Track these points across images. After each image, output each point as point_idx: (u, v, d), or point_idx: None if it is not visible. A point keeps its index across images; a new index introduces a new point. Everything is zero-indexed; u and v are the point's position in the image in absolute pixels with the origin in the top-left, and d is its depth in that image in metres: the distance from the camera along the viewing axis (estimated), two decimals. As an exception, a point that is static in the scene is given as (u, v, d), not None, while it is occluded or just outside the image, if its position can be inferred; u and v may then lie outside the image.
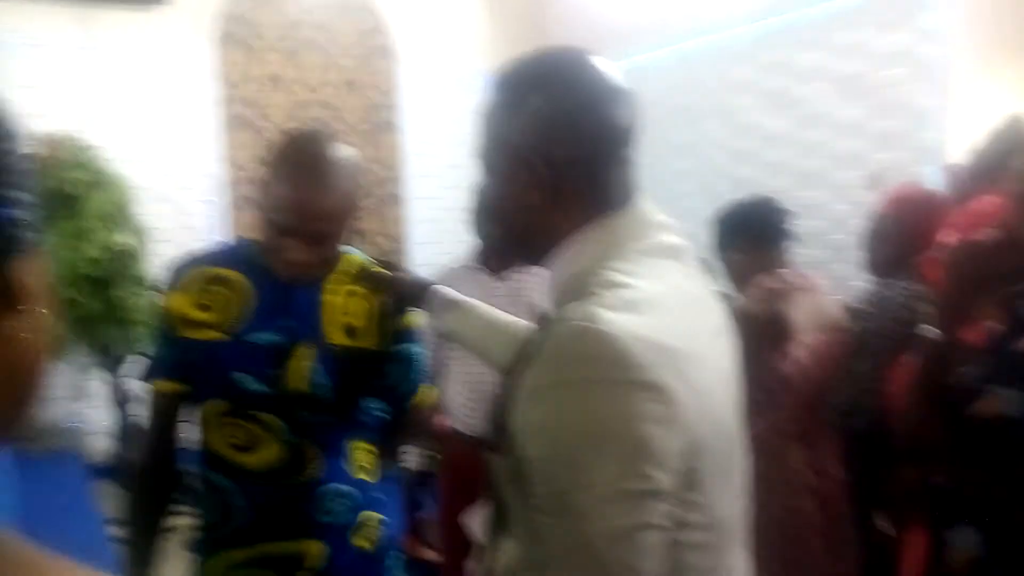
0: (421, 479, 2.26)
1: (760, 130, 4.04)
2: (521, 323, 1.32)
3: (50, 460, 3.43)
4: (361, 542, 1.41)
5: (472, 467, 1.86)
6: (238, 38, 4.37)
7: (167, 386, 1.37)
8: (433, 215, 4.82)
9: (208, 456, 1.38)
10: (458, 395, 2.16)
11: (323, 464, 1.37)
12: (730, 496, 0.89)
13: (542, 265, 0.96)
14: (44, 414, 3.71)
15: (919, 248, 1.93)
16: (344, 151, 1.30)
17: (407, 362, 1.50)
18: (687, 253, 0.95)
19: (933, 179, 3.04)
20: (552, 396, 0.78)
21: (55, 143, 3.65)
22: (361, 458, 1.45)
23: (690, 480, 0.79)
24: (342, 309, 1.41)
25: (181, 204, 4.18)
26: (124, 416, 3.93)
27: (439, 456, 2.33)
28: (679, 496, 0.78)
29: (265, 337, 1.34)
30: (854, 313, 2.04)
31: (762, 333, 1.93)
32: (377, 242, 4.72)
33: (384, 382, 1.48)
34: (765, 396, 1.98)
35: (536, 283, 2.12)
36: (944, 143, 3.20)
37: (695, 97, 4.39)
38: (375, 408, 1.50)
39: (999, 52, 3.18)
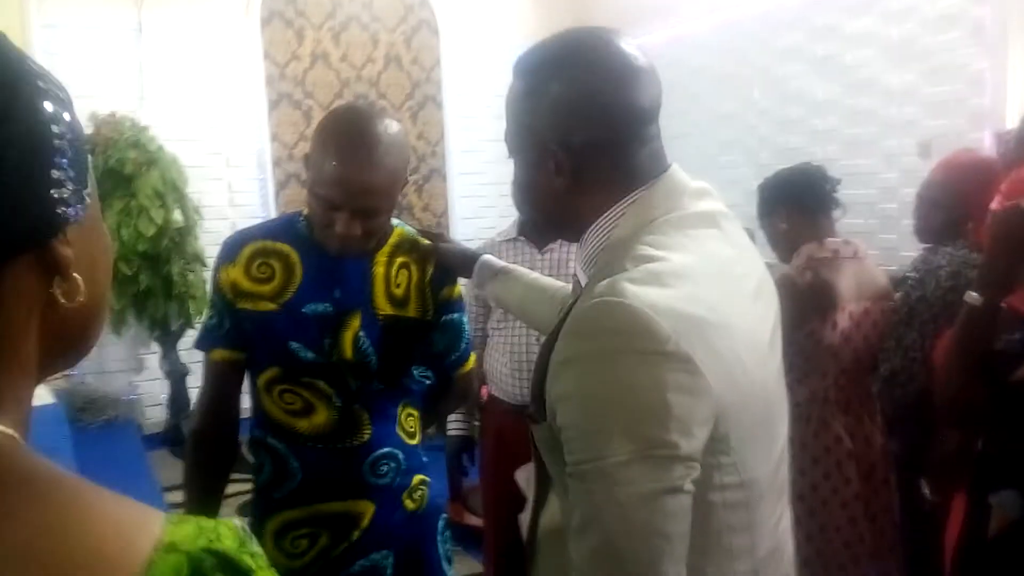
0: (465, 446, 2.31)
1: (808, 97, 3.97)
2: (567, 288, 1.34)
3: (107, 430, 3.56)
4: (409, 503, 1.47)
5: (514, 435, 1.90)
6: (285, 18, 4.43)
7: (223, 355, 1.42)
8: (476, 190, 4.85)
9: (264, 421, 1.43)
10: (500, 364, 2.19)
11: (373, 428, 1.42)
12: (765, 455, 0.90)
13: (578, 241, 0.98)
14: (102, 386, 3.85)
15: (970, 215, 1.89)
16: (391, 126, 1.32)
17: (453, 331, 1.54)
18: (726, 218, 0.96)
19: (987, 145, 2.97)
20: (579, 367, 0.82)
21: (111, 123, 3.76)
22: (409, 423, 1.49)
23: (720, 444, 0.82)
24: (390, 280, 1.44)
25: (230, 182, 4.28)
26: (178, 388, 4.07)
27: (482, 424, 2.37)
28: (709, 459, 0.81)
29: (316, 308, 1.39)
30: (901, 281, 2.01)
31: (806, 302, 1.92)
32: (421, 217, 4.77)
33: (431, 350, 1.52)
34: (809, 364, 1.97)
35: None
36: (999, 108, 3.11)
37: (741, 65, 4.33)
38: (422, 375, 1.54)
39: (1058, 12, 3.08)
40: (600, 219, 0.93)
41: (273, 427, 1.42)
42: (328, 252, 1.38)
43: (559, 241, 2.12)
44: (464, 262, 1.50)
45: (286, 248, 1.41)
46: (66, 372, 3.86)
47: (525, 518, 1.07)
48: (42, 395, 3.50)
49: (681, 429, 0.77)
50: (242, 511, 1.46)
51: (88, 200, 0.51)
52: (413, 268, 1.47)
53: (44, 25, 3.78)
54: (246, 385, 1.46)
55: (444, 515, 1.57)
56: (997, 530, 1.38)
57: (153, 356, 4.10)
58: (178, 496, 1.73)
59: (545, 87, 0.92)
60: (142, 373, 4.07)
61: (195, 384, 1.85)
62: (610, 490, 0.78)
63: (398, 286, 1.45)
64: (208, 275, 1.59)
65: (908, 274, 1.98)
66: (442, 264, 1.49)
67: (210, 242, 3.52)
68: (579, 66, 0.91)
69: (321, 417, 1.40)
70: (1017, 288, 1.33)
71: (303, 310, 1.38)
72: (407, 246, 1.48)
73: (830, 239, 2.01)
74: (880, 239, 3.43)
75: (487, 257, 1.50)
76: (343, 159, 1.26)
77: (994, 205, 1.46)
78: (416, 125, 4.79)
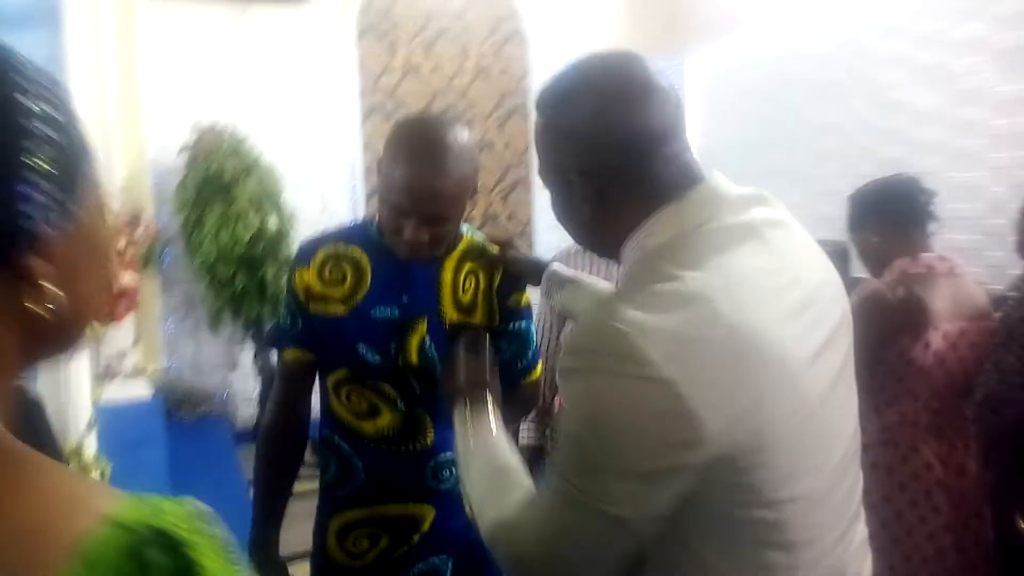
0: (538, 456, 2.30)
1: (911, 107, 3.80)
2: None
3: (201, 424, 3.72)
4: (470, 510, 1.47)
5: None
6: (378, 31, 4.55)
7: (295, 354, 1.46)
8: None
9: (331, 421, 1.46)
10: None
11: (436, 433, 1.43)
12: (808, 474, 0.87)
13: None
14: (198, 382, 4.03)
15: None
16: (461, 135, 1.33)
17: (520, 339, 1.53)
18: (775, 227, 0.93)
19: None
20: (568, 381, 0.86)
21: (212, 133, 3.94)
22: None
23: (733, 463, 0.80)
24: (457, 286, 1.45)
25: (324, 190, 4.41)
26: (269, 385, 4.21)
27: (554, 433, 2.36)
28: (725, 477, 0.81)
29: (384, 312, 1.41)
30: (1001, 300, 1.89)
31: (897, 319, 1.83)
32: (506, 226, 4.80)
33: (498, 357, 1.52)
34: (899, 386, 1.87)
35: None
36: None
37: (841, 73, 4.18)
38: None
39: None
40: (632, 238, 0.93)
41: (339, 427, 1.45)
42: (397, 257, 1.40)
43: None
44: (532, 270, 1.50)
45: (358, 252, 1.44)
46: (164, 368, 4.07)
47: None
48: (143, 389, 3.69)
49: (656, 452, 0.79)
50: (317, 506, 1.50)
51: (75, 211, 0.52)
52: (481, 275, 1.47)
53: (152, 39, 3.99)
54: (317, 385, 1.50)
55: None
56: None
57: (247, 355, 4.25)
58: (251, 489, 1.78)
59: (558, 120, 0.96)
60: (236, 371, 4.23)
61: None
62: (556, 497, 0.86)
63: (465, 292, 1.45)
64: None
65: (1008, 293, 1.86)
66: (510, 272, 1.49)
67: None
68: (587, 95, 0.94)
69: (385, 420, 1.42)
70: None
71: (371, 314, 1.40)
72: (476, 253, 1.48)
73: (924, 254, 1.91)
74: (987, 256, 3.24)
75: (556, 266, 1.49)
76: (412, 166, 1.27)
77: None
78: (503, 135, 4.83)
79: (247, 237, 3.88)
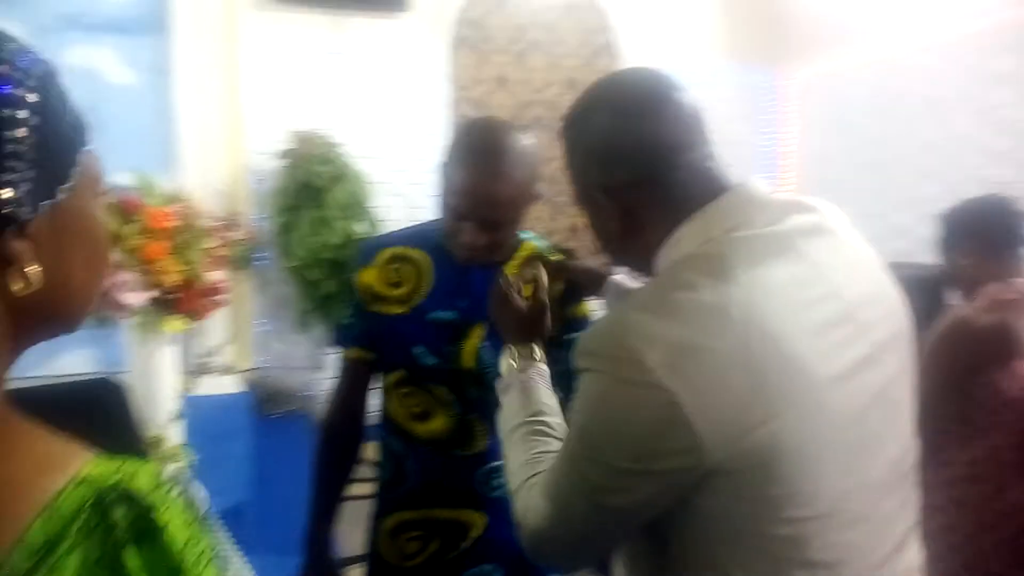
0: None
1: (1019, 126, 3.58)
2: None
3: (286, 421, 3.84)
4: (522, 519, 1.46)
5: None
6: (470, 42, 4.61)
7: (355, 353, 1.50)
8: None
9: (388, 421, 1.49)
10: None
11: (490, 440, 1.43)
12: (836, 491, 0.83)
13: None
14: (286, 380, 4.16)
15: None
16: (522, 140, 1.33)
17: (580, 350, 1.52)
18: (813, 235, 0.90)
19: None
20: (580, 377, 0.89)
21: (307, 140, 4.07)
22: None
23: (742, 477, 0.79)
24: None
25: (411, 198, 4.49)
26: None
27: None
28: (737, 489, 0.80)
29: (442, 315, 1.42)
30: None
31: (984, 347, 1.73)
32: (587, 236, 4.78)
33: (556, 368, 1.51)
34: (987, 418, 1.76)
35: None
36: None
37: (945, 90, 3.98)
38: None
39: None
40: (662, 249, 0.93)
41: (394, 428, 1.47)
42: (458, 261, 1.41)
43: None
44: (593, 280, 1.49)
45: (419, 254, 1.46)
46: (256, 366, 4.22)
47: None
48: (231, 385, 3.84)
49: (645, 454, 0.81)
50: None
51: (62, 197, 0.54)
52: (540, 283, 1.47)
53: (255, 48, 4.17)
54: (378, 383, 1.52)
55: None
56: None
57: (332, 356, 4.36)
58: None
59: (578, 139, 0.99)
60: (321, 371, 4.34)
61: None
62: (561, 477, 0.91)
63: (524, 299, 1.45)
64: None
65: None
66: (571, 281, 1.48)
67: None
68: (602, 111, 0.96)
69: (439, 423, 1.43)
70: None
71: (429, 316, 1.42)
72: (536, 260, 1.48)
73: (1018, 279, 1.80)
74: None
75: (617, 277, 1.48)
76: (471, 170, 1.29)
77: None
78: (592, 147, 4.82)
79: (335, 242, 3.99)
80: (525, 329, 1.27)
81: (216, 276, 2.33)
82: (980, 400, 1.76)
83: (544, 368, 1.25)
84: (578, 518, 0.91)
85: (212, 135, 4.07)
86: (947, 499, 1.78)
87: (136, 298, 2.00)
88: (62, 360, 3.60)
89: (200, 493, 2.08)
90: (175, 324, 2.22)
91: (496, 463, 1.43)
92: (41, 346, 0.61)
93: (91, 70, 3.83)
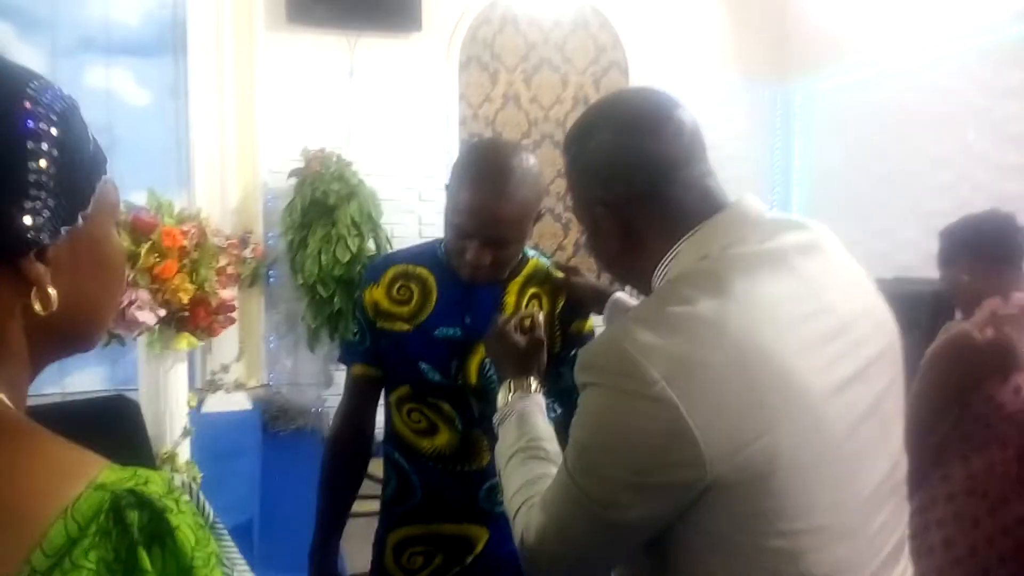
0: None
1: (1031, 141, 3.58)
2: None
3: (295, 437, 3.87)
4: (525, 534, 1.47)
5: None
6: (481, 61, 4.67)
7: (362, 370, 1.52)
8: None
9: (393, 437, 1.51)
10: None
11: (492, 455, 1.44)
12: (828, 505, 0.85)
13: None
14: (295, 397, 4.19)
15: None
16: (526, 160, 1.35)
17: (583, 366, 1.53)
18: (808, 252, 0.92)
19: None
20: (581, 392, 0.90)
21: (320, 158, 4.12)
22: None
23: (736, 490, 0.80)
24: (520, 310, 1.47)
25: (421, 214, 4.53)
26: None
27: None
28: (730, 503, 0.81)
29: (447, 332, 1.44)
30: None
31: (985, 361, 1.73)
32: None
33: (560, 384, 1.53)
34: (987, 432, 1.77)
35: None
36: None
37: (955, 105, 3.99)
38: (550, 408, 1.55)
39: None
40: (659, 266, 0.95)
41: (400, 444, 1.49)
42: (462, 279, 1.43)
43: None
44: (596, 298, 1.50)
45: (425, 272, 1.48)
46: (264, 383, 4.25)
47: None
48: (243, 402, 3.88)
49: (650, 467, 0.81)
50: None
51: (80, 223, 0.58)
52: (544, 300, 1.49)
53: (268, 68, 4.23)
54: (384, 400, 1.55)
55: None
56: None
57: (341, 372, 4.39)
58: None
59: (579, 157, 1.01)
60: (330, 387, 4.37)
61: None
62: (562, 494, 0.91)
63: (521, 335, 1.47)
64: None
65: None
66: (574, 298, 1.50)
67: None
68: (602, 128, 0.98)
69: (443, 439, 1.45)
70: None
71: (434, 333, 1.44)
72: (540, 278, 1.50)
73: (1017, 294, 1.80)
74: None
75: (619, 295, 1.49)
76: (475, 189, 1.31)
77: None
78: (601, 164, 4.84)
79: (346, 259, 4.02)
80: (522, 365, 1.30)
81: (228, 294, 2.36)
82: (980, 414, 1.77)
83: (541, 399, 1.27)
84: (579, 535, 0.91)
85: (226, 154, 4.13)
86: (948, 513, 1.78)
87: (149, 316, 2.03)
88: (74, 378, 3.66)
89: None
90: (186, 342, 2.25)
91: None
92: (54, 364, 0.64)
93: (108, 91, 3.90)
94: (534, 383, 1.29)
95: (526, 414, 1.21)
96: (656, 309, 0.87)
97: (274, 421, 3.98)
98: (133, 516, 0.51)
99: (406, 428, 1.48)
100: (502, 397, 1.27)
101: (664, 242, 0.94)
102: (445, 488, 1.45)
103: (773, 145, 5.12)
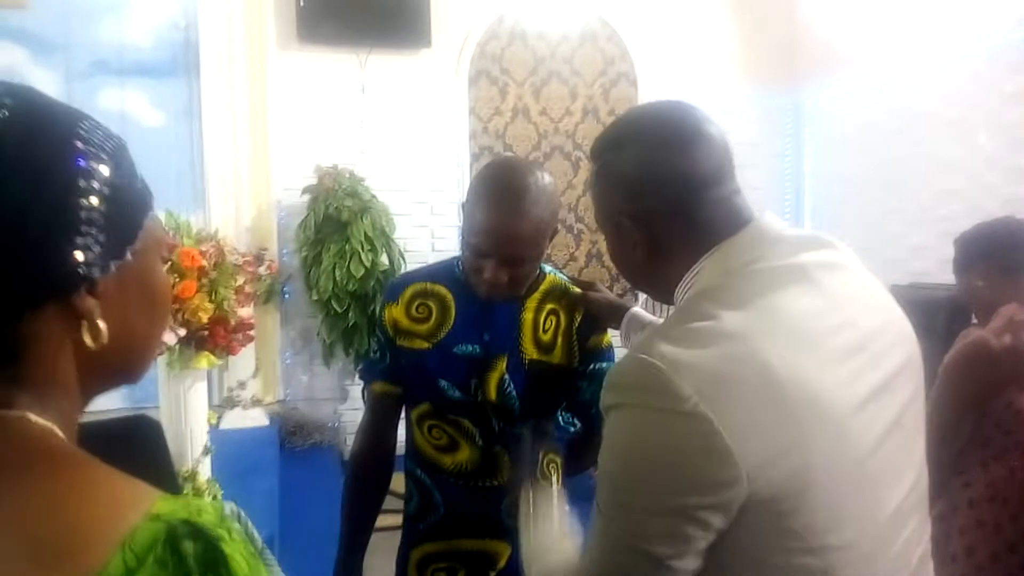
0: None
1: (1041, 144, 3.58)
2: None
3: (312, 452, 3.88)
4: (547, 549, 1.48)
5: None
6: (491, 76, 4.70)
7: (383, 387, 1.53)
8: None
9: (415, 454, 1.52)
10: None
11: (513, 470, 1.46)
12: (854, 522, 0.84)
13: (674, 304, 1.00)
14: (311, 412, 4.21)
15: None
16: (541, 178, 1.37)
17: (600, 381, 1.54)
18: (831, 270, 0.92)
19: None
20: (609, 417, 0.86)
21: (332, 175, 4.16)
22: (550, 469, 1.51)
23: (770, 505, 0.79)
24: (537, 326, 1.49)
25: (433, 229, 4.56)
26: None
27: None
28: (761, 520, 0.79)
29: (466, 349, 1.46)
30: None
31: (1004, 368, 1.73)
32: (610, 265, 4.80)
33: (578, 398, 1.54)
34: (1006, 439, 1.77)
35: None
36: None
37: (964, 109, 3.99)
38: (569, 423, 1.56)
39: None
40: (683, 279, 0.95)
41: (421, 461, 1.50)
42: (480, 296, 1.45)
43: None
44: (612, 313, 1.52)
45: (443, 290, 1.50)
46: (280, 399, 4.28)
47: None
48: (260, 418, 3.90)
49: (692, 489, 0.78)
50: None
51: (128, 258, 0.60)
52: (562, 315, 1.50)
53: (280, 86, 4.27)
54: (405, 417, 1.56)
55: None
56: None
57: (356, 387, 4.41)
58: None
59: (609, 167, 1.00)
60: (346, 402, 4.39)
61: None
62: (612, 540, 0.85)
63: (545, 332, 1.49)
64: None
65: None
66: (591, 313, 1.52)
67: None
68: (635, 142, 0.97)
69: (464, 455, 1.46)
70: None
71: (454, 350, 1.46)
72: (557, 293, 1.51)
73: (1036, 301, 1.81)
74: None
75: (636, 310, 1.51)
76: (491, 209, 1.32)
77: None
78: (611, 175, 4.86)
79: (360, 274, 4.05)
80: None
81: (245, 312, 2.38)
82: (999, 421, 1.77)
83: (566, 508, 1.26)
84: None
85: (239, 173, 4.17)
86: (969, 520, 1.78)
87: (169, 336, 2.06)
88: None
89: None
90: (206, 360, 2.28)
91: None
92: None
93: (122, 113, 3.95)
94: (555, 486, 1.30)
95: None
96: (681, 326, 0.86)
97: (291, 437, 4.00)
98: (188, 546, 0.52)
99: (427, 445, 1.49)
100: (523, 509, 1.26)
101: (688, 256, 0.95)
102: (467, 504, 1.47)
103: (784, 153, 5.12)
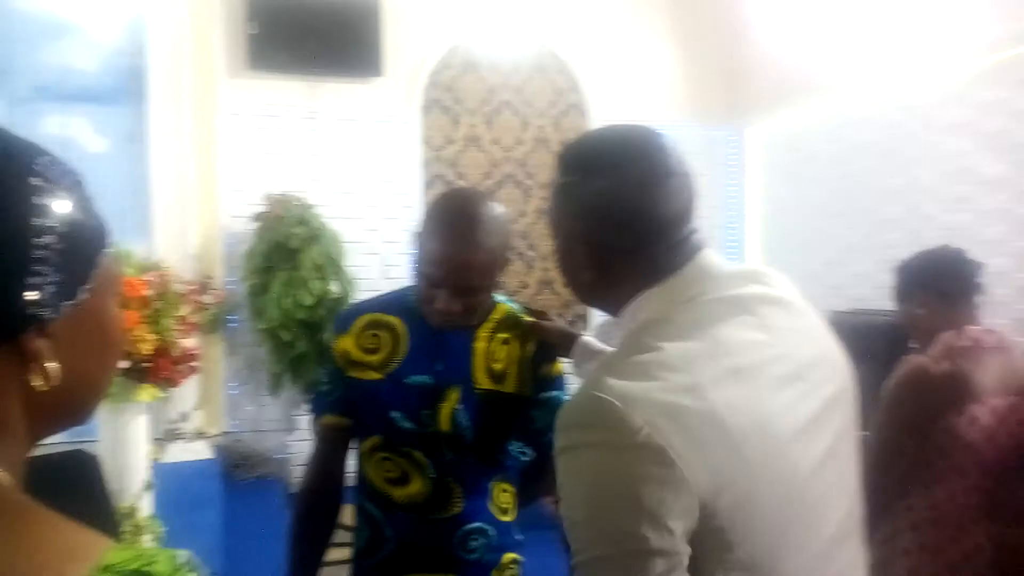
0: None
1: (976, 175, 3.71)
2: None
3: (257, 486, 3.79)
4: (500, 581, 1.46)
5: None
6: (443, 105, 4.72)
7: (332, 420, 1.51)
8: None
9: (364, 487, 1.50)
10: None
11: (465, 502, 1.44)
12: (793, 547, 0.85)
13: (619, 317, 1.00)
14: (257, 444, 4.12)
15: None
16: (493, 208, 1.37)
17: (552, 409, 1.54)
18: (769, 303, 0.94)
19: None
20: (564, 460, 0.84)
21: (282, 202, 4.11)
22: (503, 499, 1.50)
23: (718, 534, 0.79)
24: (490, 355, 1.48)
25: (385, 256, 4.53)
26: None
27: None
28: (708, 550, 0.79)
29: (418, 379, 1.44)
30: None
31: (941, 394, 1.78)
32: (562, 292, 4.82)
33: (531, 426, 1.54)
34: (946, 462, 1.81)
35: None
36: None
37: (902, 141, 4.13)
38: (520, 451, 1.55)
39: None
40: (629, 306, 0.96)
41: (371, 493, 1.48)
42: (432, 325, 1.44)
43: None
44: (564, 341, 1.52)
45: (395, 320, 1.49)
46: (226, 430, 4.17)
47: None
48: (201, 450, 3.79)
49: (653, 522, 0.77)
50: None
51: (81, 296, 0.57)
52: (514, 344, 1.50)
53: (230, 113, 4.22)
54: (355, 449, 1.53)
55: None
56: None
57: (304, 417, 4.33)
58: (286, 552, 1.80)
59: (574, 189, 0.98)
60: (293, 433, 4.30)
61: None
62: None
63: (497, 361, 1.48)
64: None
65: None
66: (543, 341, 1.52)
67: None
68: (607, 171, 0.95)
69: (415, 487, 1.44)
70: None
71: (406, 380, 1.44)
72: (509, 322, 1.51)
73: (972, 327, 1.86)
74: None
75: (586, 338, 1.51)
76: (444, 240, 1.32)
77: None
78: (562, 204, 4.90)
79: (308, 302, 3.99)
80: None
81: (189, 342, 2.33)
82: (939, 445, 1.81)
83: None
84: None
85: (186, 200, 4.09)
86: (912, 543, 1.81)
87: (110, 367, 2.00)
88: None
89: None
90: (148, 393, 2.21)
91: (471, 525, 1.45)
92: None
93: (65, 139, 3.85)
94: None
95: None
96: (625, 360, 0.86)
97: (235, 470, 3.90)
98: None
99: (378, 477, 1.47)
100: None
101: (636, 287, 0.95)
102: (419, 537, 1.44)
103: (727, 183, 5.23)
